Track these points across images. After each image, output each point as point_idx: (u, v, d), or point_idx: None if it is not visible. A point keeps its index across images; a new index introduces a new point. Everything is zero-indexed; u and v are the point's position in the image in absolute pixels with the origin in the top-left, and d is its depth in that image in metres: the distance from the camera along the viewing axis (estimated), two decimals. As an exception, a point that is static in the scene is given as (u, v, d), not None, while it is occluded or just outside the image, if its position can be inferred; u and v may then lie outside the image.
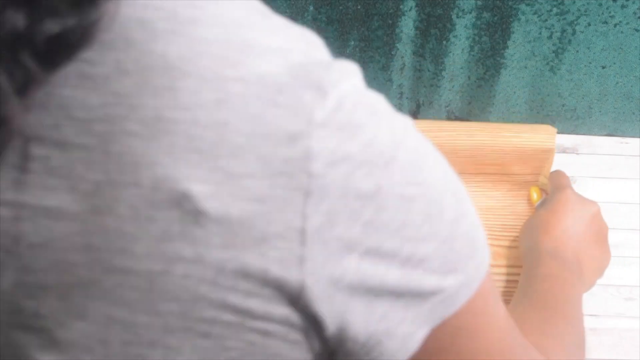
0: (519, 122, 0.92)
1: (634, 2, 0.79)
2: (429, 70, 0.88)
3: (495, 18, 0.82)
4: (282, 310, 0.29)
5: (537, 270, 0.65)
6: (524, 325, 0.49)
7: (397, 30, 0.83)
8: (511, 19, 0.82)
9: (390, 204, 0.30)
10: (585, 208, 0.71)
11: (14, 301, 0.27)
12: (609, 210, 0.84)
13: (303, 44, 0.30)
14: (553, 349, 0.51)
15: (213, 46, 0.27)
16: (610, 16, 0.80)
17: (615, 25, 0.81)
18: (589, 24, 0.81)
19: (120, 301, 0.27)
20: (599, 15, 0.80)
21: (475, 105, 0.92)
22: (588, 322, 0.72)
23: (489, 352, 0.37)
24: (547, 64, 0.86)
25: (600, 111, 0.91)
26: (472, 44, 0.85)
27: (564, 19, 0.81)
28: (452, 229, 0.33)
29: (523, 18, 0.81)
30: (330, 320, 0.31)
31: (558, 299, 0.62)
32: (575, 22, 0.81)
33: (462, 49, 0.85)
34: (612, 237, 0.81)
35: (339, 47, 0.86)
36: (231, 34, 0.28)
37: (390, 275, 0.31)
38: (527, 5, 0.80)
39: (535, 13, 0.81)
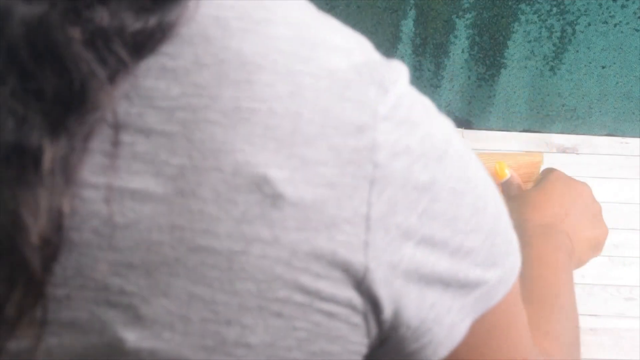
0: (519, 122, 0.93)
1: (634, 2, 0.79)
2: (429, 70, 0.88)
3: (495, 18, 0.82)
4: (347, 292, 0.31)
5: (527, 251, 0.66)
6: None
7: (397, 30, 0.83)
8: (511, 19, 0.82)
9: (443, 196, 0.32)
10: (576, 187, 0.73)
11: (100, 279, 0.28)
12: (609, 210, 0.84)
13: (360, 44, 0.32)
14: (552, 350, 0.52)
15: (284, 43, 0.29)
16: (610, 16, 0.80)
17: (615, 25, 0.81)
18: (589, 24, 0.81)
19: (201, 279, 0.29)
20: (599, 15, 0.80)
21: (475, 105, 0.92)
22: (588, 322, 0.72)
23: (518, 351, 0.39)
24: (547, 64, 0.86)
25: (600, 111, 0.91)
26: (472, 44, 0.85)
27: (564, 19, 0.81)
28: (495, 225, 0.35)
29: (523, 18, 0.81)
30: (388, 304, 0.32)
31: (552, 289, 0.63)
32: (575, 22, 0.81)
33: (462, 49, 0.86)
34: (612, 237, 0.81)
35: (339, 47, 0.86)
36: (299, 33, 0.30)
37: (441, 264, 0.33)
38: (527, 5, 0.80)
39: (535, 13, 0.81)
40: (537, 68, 0.87)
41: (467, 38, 0.84)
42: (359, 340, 0.33)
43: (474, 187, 0.34)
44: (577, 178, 0.90)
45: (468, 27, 0.83)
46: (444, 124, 0.33)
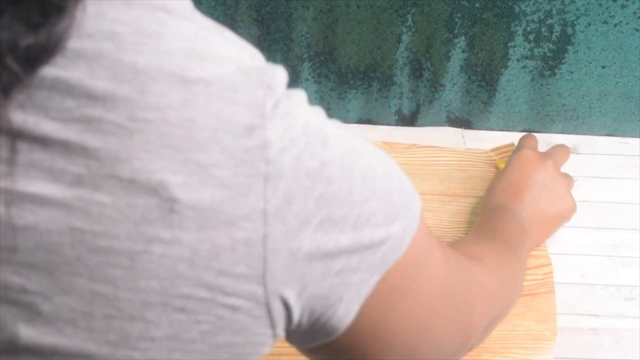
0: (519, 122, 0.93)
1: (634, 2, 0.79)
2: (429, 70, 0.88)
3: (495, 18, 0.82)
4: (249, 286, 0.32)
5: (485, 218, 0.71)
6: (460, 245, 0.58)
7: (397, 30, 0.83)
8: (511, 19, 0.82)
9: (335, 175, 0.35)
10: (537, 165, 0.78)
11: (0, 278, 0.29)
12: (609, 210, 0.84)
13: (250, 53, 0.35)
14: (484, 253, 0.58)
15: (177, 55, 0.31)
16: (610, 16, 0.80)
17: (615, 25, 0.81)
18: (589, 24, 0.81)
19: (104, 278, 0.30)
20: (599, 15, 0.80)
21: (475, 105, 0.92)
22: (588, 322, 0.72)
23: (433, 295, 0.43)
24: (547, 64, 0.86)
25: (600, 111, 0.91)
26: (472, 44, 0.85)
27: (564, 19, 0.81)
28: (386, 184, 0.38)
29: (523, 18, 0.81)
30: (292, 290, 0.34)
31: (504, 230, 0.68)
32: (575, 22, 0.81)
33: (462, 49, 0.85)
34: (612, 237, 0.81)
35: (339, 46, 0.86)
36: (192, 45, 0.32)
37: (343, 238, 0.35)
38: (527, 5, 0.80)
39: (535, 13, 0.81)
40: (537, 68, 0.87)
41: (467, 38, 0.84)
42: (262, 332, 0.34)
43: (358, 158, 0.37)
44: (577, 178, 0.91)
45: (468, 27, 0.83)
46: (315, 111, 0.37)
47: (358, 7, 0.81)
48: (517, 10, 0.81)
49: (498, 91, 0.89)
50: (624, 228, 0.82)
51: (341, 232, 0.35)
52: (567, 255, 0.79)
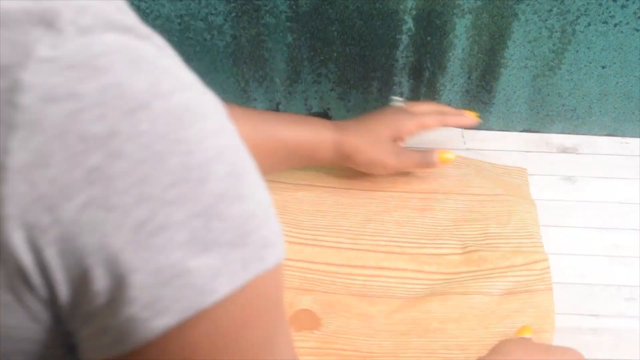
0: (519, 122, 0.92)
1: (634, 2, 0.79)
2: (429, 70, 0.88)
3: (495, 18, 0.82)
4: None
5: None
6: None
7: (397, 30, 0.83)
8: (511, 19, 0.82)
9: (129, 153, 0.28)
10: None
11: None
12: (609, 210, 0.84)
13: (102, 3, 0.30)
14: None
15: None
16: (610, 16, 0.80)
17: (615, 25, 0.81)
18: (589, 24, 0.81)
19: None
20: (599, 15, 0.80)
21: (475, 105, 0.92)
22: (588, 322, 0.72)
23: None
24: (547, 64, 0.86)
25: (600, 111, 0.91)
26: (472, 44, 0.85)
27: (564, 19, 0.81)
28: (216, 205, 0.30)
29: (523, 18, 0.81)
30: (36, 277, 0.29)
31: None
32: (575, 22, 0.81)
33: (462, 49, 0.85)
34: (612, 237, 0.81)
35: (340, 46, 0.86)
36: None
37: (118, 236, 0.28)
38: (527, 5, 0.80)
39: (535, 13, 0.81)
40: (537, 68, 0.87)
41: (467, 38, 0.84)
42: (37, 308, 0.29)
43: (186, 151, 0.29)
44: (577, 178, 0.91)
45: (468, 27, 0.83)
46: (167, 80, 0.29)
47: (357, 7, 0.81)
48: (517, 10, 0.81)
49: (498, 91, 0.89)
50: (624, 228, 0.82)
51: (117, 227, 0.28)
52: (567, 255, 0.79)
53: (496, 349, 0.63)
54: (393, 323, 0.70)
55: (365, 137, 0.78)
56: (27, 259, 0.28)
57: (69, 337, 0.31)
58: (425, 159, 0.80)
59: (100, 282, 0.29)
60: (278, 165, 0.79)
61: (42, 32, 0.28)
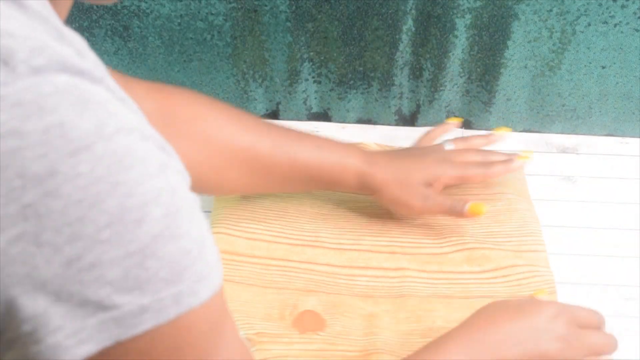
0: (519, 122, 0.93)
1: (634, 2, 0.79)
2: (429, 70, 0.88)
3: (495, 18, 0.82)
4: None
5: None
6: None
7: (397, 30, 0.83)
8: (511, 19, 0.82)
9: (66, 193, 0.30)
10: (548, 309, 0.63)
11: None
12: (609, 210, 0.84)
13: (47, 37, 0.31)
14: None
15: None
16: (610, 16, 0.80)
17: (615, 25, 0.81)
18: (589, 24, 0.81)
19: None
20: (599, 15, 0.80)
21: (475, 105, 0.92)
22: (588, 322, 0.72)
23: None
24: (547, 64, 0.86)
25: (600, 111, 0.91)
26: (472, 44, 0.85)
27: (564, 19, 0.81)
28: (151, 246, 0.32)
29: (523, 18, 0.81)
30: None
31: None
32: (575, 22, 0.81)
33: (462, 49, 0.85)
34: (612, 237, 0.81)
35: (339, 46, 0.86)
36: None
37: (49, 270, 0.30)
38: (527, 5, 0.80)
39: (535, 13, 0.81)
40: (537, 68, 0.87)
41: (467, 38, 0.84)
42: None
43: (125, 194, 0.31)
44: (577, 178, 0.90)
45: (468, 27, 0.83)
46: (112, 124, 0.31)
47: (357, 7, 0.81)
48: (517, 10, 0.81)
49: (498, 91, 0.89)
50: (624, 228, 0.82)
51: (48, 261, 0.29)
52: (567, 255, 0.79)
53: (479, 311, 0.64)
54: (397, 322, 0.70)
55: (395, 175, 0.74)
56: None
57: None
58: (454, 209, 0.73)
59: (27, 310, 0.30)
60: (294, 188, 0.76)
61: None
